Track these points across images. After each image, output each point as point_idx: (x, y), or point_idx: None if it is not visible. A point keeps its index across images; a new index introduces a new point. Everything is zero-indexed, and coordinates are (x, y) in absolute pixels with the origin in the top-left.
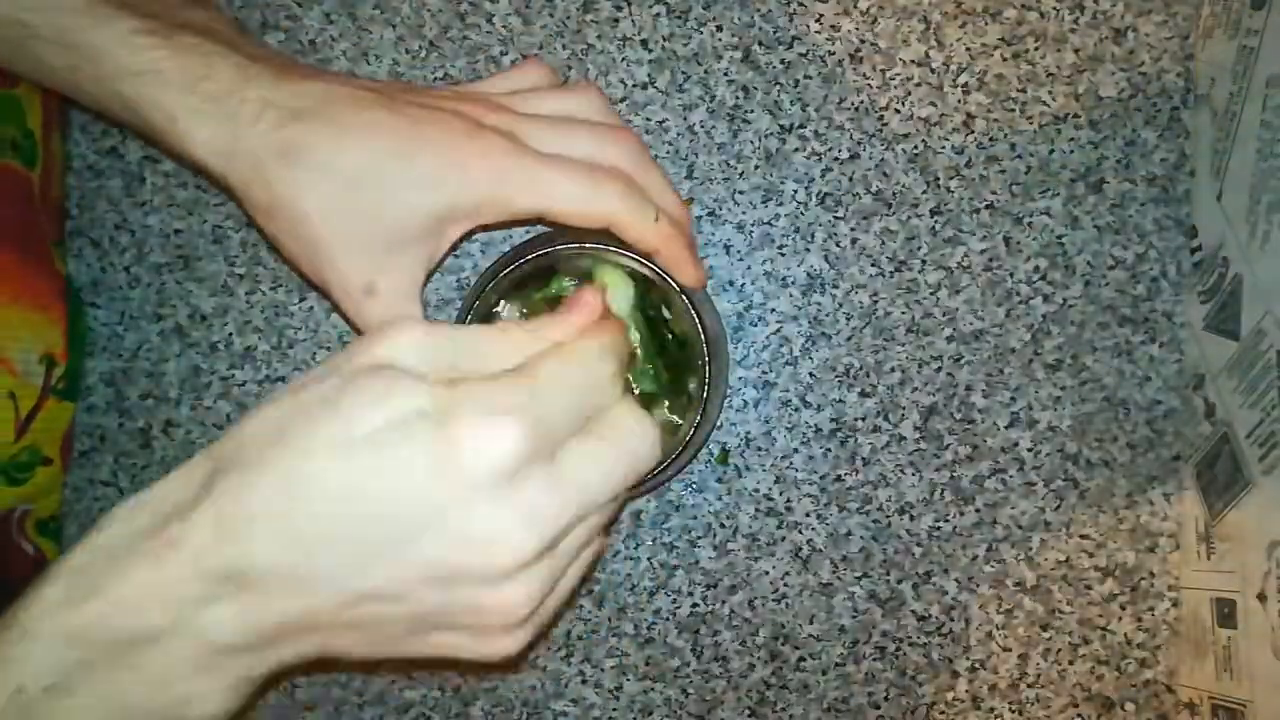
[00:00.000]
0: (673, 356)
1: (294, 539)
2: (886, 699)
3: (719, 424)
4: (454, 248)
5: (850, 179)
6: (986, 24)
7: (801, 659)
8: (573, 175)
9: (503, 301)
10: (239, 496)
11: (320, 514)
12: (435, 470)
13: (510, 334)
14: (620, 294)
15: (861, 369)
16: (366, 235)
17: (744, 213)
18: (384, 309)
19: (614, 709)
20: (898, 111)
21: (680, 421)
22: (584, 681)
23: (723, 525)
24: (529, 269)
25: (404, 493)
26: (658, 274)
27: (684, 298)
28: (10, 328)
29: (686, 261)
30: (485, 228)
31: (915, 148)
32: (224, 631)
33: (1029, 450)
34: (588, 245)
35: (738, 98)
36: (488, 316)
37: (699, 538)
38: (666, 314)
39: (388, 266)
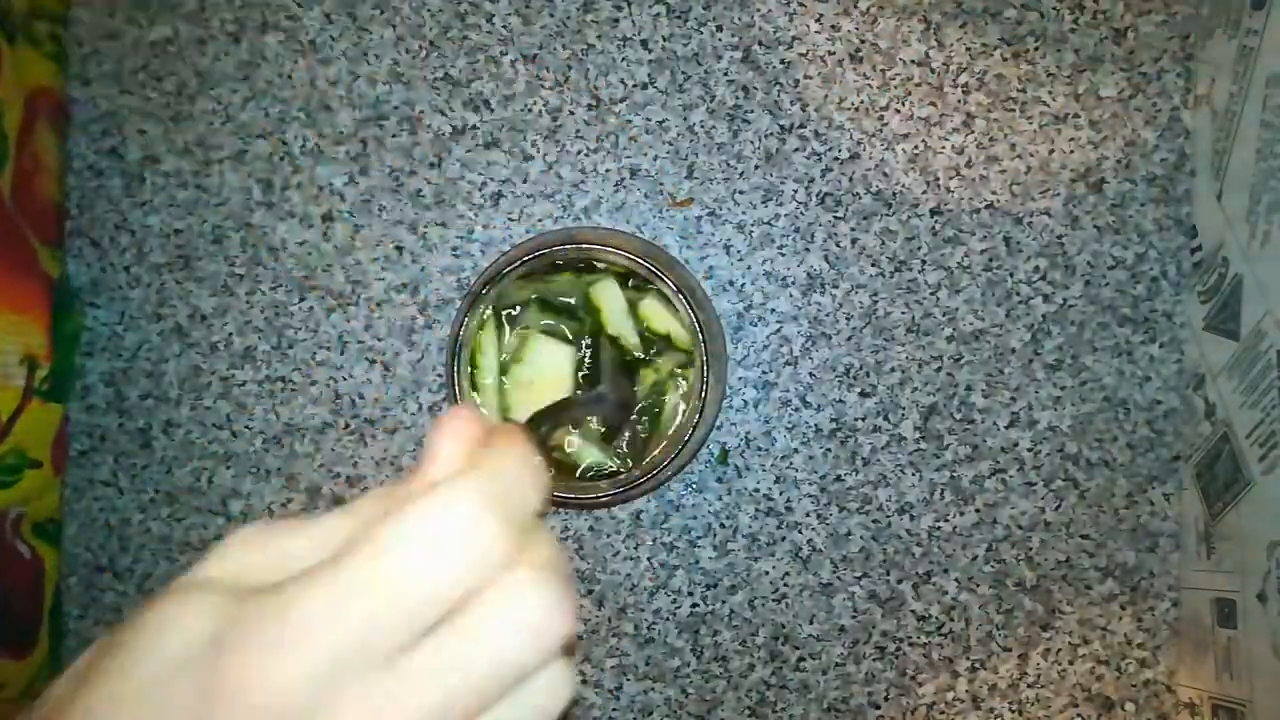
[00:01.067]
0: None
1: None
2: (886, 699)
3: (719, 424)
4: None
5: (850, 179)
6: (986, 24)
7: (801, 659)
8: None
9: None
10: None
11: None
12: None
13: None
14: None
15: (861, 369)
16: None
17: (744, 213)
18: None
19: (614, 709)
20: (898, 111)
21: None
22: (584, 681)
23: (723, 525)
24: (529, 269)
25: None
26: (654, 273)
27: (682, 297)
28: None
29: None
30: None
31: (915, 148)
32: None
33: (1029, 450)
34: (585, 245)
35: (738, 98)
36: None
37: (699, 538)
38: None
39: None
